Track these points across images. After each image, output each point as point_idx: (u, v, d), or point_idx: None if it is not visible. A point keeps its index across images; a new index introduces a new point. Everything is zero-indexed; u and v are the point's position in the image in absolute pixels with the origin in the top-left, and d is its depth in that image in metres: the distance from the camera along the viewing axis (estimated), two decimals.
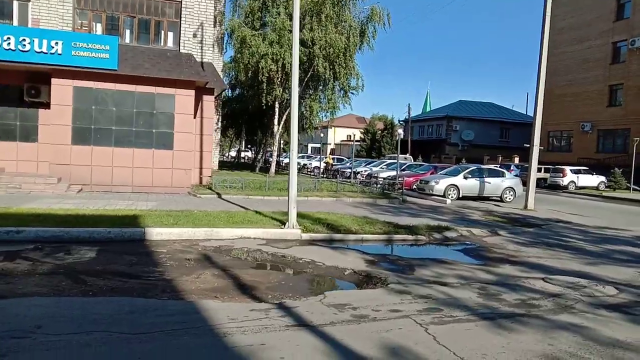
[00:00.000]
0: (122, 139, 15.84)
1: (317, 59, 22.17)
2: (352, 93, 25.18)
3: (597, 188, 31.77)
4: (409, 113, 60.82)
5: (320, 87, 25.37)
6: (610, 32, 38.36)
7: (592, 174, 32.53)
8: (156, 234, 9.22)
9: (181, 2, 16.56)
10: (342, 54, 22.61)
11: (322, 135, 34.64)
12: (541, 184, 33.44)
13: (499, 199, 20.54)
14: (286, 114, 25.35)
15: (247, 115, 32.40)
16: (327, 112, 25.72)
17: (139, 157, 16.02)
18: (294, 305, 5.55)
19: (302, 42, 22.48)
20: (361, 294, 6.31)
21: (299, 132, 31.35)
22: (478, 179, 20.32)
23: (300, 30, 22.47)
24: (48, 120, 15.50)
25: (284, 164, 40.31)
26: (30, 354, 3.96)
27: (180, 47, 16.72)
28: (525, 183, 18.49)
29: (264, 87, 23.06)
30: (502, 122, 60.01)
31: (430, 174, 23.03)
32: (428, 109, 77.67)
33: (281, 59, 21.74)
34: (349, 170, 30.15)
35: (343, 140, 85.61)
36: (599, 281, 7.40)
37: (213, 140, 25.74)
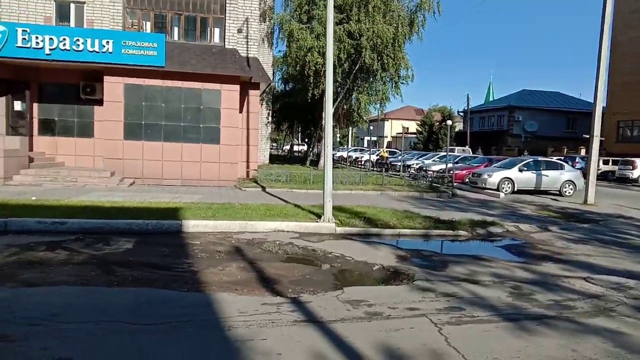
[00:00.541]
0: (171, 134, 16.31)
1: (364, 50, 21.85)
2: (402, 83, 24.62)
3: None
4: (467, 104, 58.81)
5: (369, 79, 24.98)
6: None
7: None
8: (192, 226, 9.39)
9: None
10: (390, 45, 22.14)
11: (371, 128, 34.02)
12: (609, 177, 31.52)
13: (557, 192, 19.44)
14: (334, 107, 25.25)
15: (299, 109, 32.53)
16: (376, 104, 25.30)
17: (188, 152, 16.44)
18: (309, 300, 5.44)
19: (350, 34, 22.26)
20: (382, 291, 6.10)
21: (349, 126, 31.21)
22: (534, 171, 19.31)
23: (347, 22, 22.31)
24: (102, 116, 16.22)
25: (336, 157, 40.30)
26: (39, 341, 4.09)
27: (226, 43, 16.96)
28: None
29: (311, 81, 23.02)
30: (568, 112, 56.74)
31: (485, 166, 22.15)
32: (491, 100, 74.92)
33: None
34: (401, 163, 29.65)
35: (399, 133, 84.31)
36: None
37: (260, 134, 26.11)
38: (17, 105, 16.29)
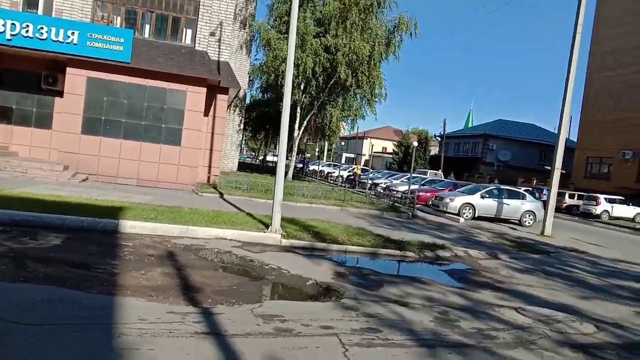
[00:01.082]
0: (130, 132, 15.92)
1: (340, 65, 21.85)
2: (375, 101, 24.67)
3: (632, 220, 30.08)
4: (444, 128, 59.49)
5: (344, 94, 24.97)
6: None
7: (629, 205, 30.85)
8: (130, 226, 9.04)
9: (199, 0, 16.57)
10: (365, 62, 22.21)
11: (342, 144, 33.98)
12: (573, 211, 32.03)
13: (517, 222, 19.58)
14: (307, 119, 25.15)
15: (274, 119, 32.29)
16: (349, 119, 25.26)
17: (147, 151, 16.05)
18: (221, 311, 5.18)
19: (326, 49, 22.27)
20: (303, 307, 5.88)
21: (320, 139, 31.09)
22: (496, 199, 19.42)
23: (324, 36, 22.30)
24: (61, 108, 15.75)
25: (309, 171, 40.12)
26: None
27: (196, 45, 16.72)
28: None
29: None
30: (541, 145, 57.72)
31: (449, 190, 22.23)
32: (470, 126, 75.96)
33: (302, 64, 21.53)
34: (370, 181, 29.66)
35: (377, 152, 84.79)
36: (582, 317, 6.71)
37: (230, 140, 25.82)
38: None
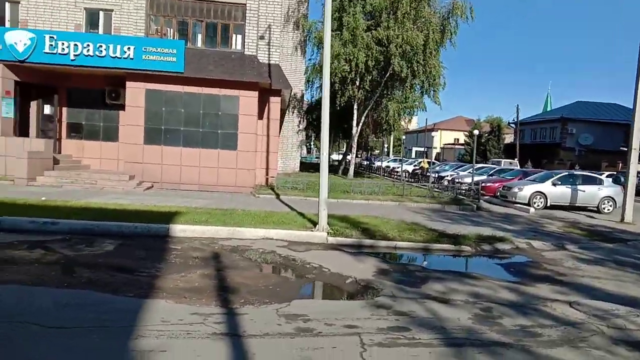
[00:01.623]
0: (189, 139, 16.47)
1: (393, 57, 21.34)
2: (433, 91, 23.85)
3: None
4: (517, 115, 56.62)
5: (400, 87, 24.39)
6: None
7: None
8: (180, 230, 9.30)
9: (246, 4, 16.82)
10: (420, 52, 21.55)
11: (404, 137, 33.11)
12: None
13: (595, 209, 18.13)
14: (364, 114, 24.84)
15: (334, 118, 32.20)
16: (406, 112, 24.63)
17: (205, 157, 16.55)
18: (246, 312, 5.14)
19: (378, 41, 21.85)
20: (332, 305, 5.72)
21: (381, 134, 30.62)
22: (570, 186, 18.09)
23: (375, 29, 21.89)
24: (124, 121, 16.60)
25: (375, 167, 39.65)
26: None
27: (245, 49, 16.99)
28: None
29: (336, 88, 22.73)
30: (626, 125, 53.02)
31: (519, 179, 21.03)
32: (549, 110, 71.80)
33: (354, 59, 21.26)
34: (436, 174, 28.80)
35: (448, 144, 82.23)
36: None
37: (290, 142, 26.04)
38: (47, 109, 16.99)
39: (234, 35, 17.23)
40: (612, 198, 17.79)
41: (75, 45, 15.28)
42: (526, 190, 18.02)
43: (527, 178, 20.21)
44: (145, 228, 9.23)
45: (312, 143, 73.64)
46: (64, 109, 17.31)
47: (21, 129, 16.68)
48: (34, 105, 16.91)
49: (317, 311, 5.28)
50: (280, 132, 25.24)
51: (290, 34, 25.96)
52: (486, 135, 64.25)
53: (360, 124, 24.95)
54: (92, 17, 17.24)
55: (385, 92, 24.55)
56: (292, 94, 27.35)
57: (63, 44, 15.26)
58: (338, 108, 24.71)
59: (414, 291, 6.49)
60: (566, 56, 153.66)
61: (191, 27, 17.12)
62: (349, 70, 21.50)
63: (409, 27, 20.98)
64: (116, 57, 15.39)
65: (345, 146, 35.95)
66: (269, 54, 17.77)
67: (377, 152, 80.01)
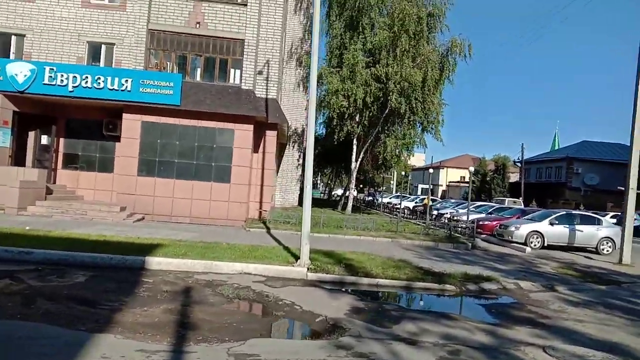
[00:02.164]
0: (183, 172, 16.48)
1: (391, 94, 21.47)
2: (431, 129, 23.90)
3: None
4: (522, 154, 56.48)
5: (398, 123, 24.45)
6: None
7: None
8: (156, 263, 9.14)
9: (244, 40, 17.09)
10: (419, 89, 21.68)
11: (404, 173, 33.05)
12: None
13: (594, 250, 17.72)
14: (364, 150, 24.83)
15: (335, 153, 32.32)
16: (403, 148, 24.57)
17: (198, 189, 16.50)
18: (195, 350, 4.93)
19: (377, 78, 22.04)
20: (289, 345, 5.48)
21: (382, 170, 30.55)
22: (567, 225, 17.74)
23: (374, 66, 22.12)
24: (120, 152, 16.67)
25: (377, 203, 39.39)
26: None
27: (242, 84, 17.16)
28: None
29: (334, 123, 22.86)
30: None
31: (517, 218, 20.70)
32: (553, 150, 71.54)
33: (353, 95, 21.41)
34: (436, 211, 28.54)
35: (453, 182, 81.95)
36: (629, 358, 5.72)
37: (289, 176, 26.01)
38: (44, 139, 17.16)
39: (232, 70, 17.45)
40: (611, 239, 17.39)
41: (74, 77, 15.54)
42: (523, 230, 17.70)
43: (525, 217, 19.89)
44: (121, 260, 9.08)
45: (318, 178, 73.64)
46: (62, 140, 17.46)
47: (18, 158, 16.81)
48: (31, 135, 17.10)
49: (271, 351, 5.05)
50: (279, 166, 25.34)
51: (293, 70, 26.36)
52: (491, 173, 64.00)
53: (360, 160, 24.91)
54: (94, 51, 17.58)
55: (384, 128, 24.61)
56: (294, 129, 27.55)
57: (62, 75, 15.53)
58: (336, 143, 24.80)
59: (383, 331, 6.24)
60: (575, 95, 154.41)
61: (190, 61, 17.39)
62: (347, 105, 21.63)
63: (407, 65, 21.17)
64: (114, 89, 15.60)
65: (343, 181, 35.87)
66: (267, 89, 17.94)
67: (383, 188, 79.97)
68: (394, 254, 12.74)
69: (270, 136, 18.10)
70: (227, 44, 17.28)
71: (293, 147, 27.33)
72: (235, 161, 16.56)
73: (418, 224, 20.56)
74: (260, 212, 18.00)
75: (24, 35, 17.32)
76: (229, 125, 16.44)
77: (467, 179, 75.64)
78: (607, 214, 31.29)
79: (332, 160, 35.32)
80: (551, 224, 17.75)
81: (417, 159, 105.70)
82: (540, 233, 17.54)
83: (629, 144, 15.90)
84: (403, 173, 37.47)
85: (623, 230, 15.17)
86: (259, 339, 5.53)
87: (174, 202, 16.44)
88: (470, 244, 16.47)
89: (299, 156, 27.44)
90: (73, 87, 15.54)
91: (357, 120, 23.60)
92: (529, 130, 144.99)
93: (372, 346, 5.49)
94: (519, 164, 60.45)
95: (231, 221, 16.42)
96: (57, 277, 7.98)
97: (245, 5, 17.22)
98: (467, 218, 19.09)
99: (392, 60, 21.54)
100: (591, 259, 16.22)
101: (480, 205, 28.11)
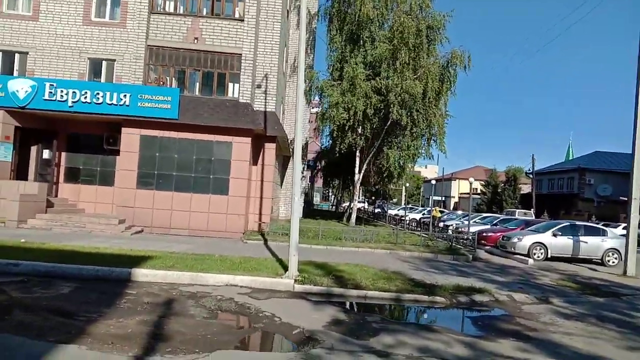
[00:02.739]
0: (181, 184, 16.56)
1: (392, 106, 21.45)
2: (434, 140, 23.78)
3: None
4: (532, 165, 55.84)
5: (400, 135, 24.37)
6: None
7: None
8: (142, 275, 9.14)
9: (242, 54, 17.22)
10: (419, 100, 21.63)
11: (407, 184, 32.83)
12: None
13: (600, 261, 17.36)
14: (366, 162, 24.77)
15: (341, 166, 32.27)
16: (406, 160, 24.44)
17: (197, 202, 16.55)
18: None
19: (377, 90, 22.05)
20: (255, 357, 5.42)
21: (382, 182, 30.41)
22: (571, 237, 17.41)
23: (374, 78, 22.15)
24: (119, 166, 16.82)
25: (386, 215, 39.12)
26: None
27: (240, 98, 17.25)
28: None
29: (336, 135, 22.88)
30: None
31: (520, 229, 20.40)
32: (566, 161, 70.74)
33: (353, 107, 21.42)
34: (442, 223, 28.30)
35: (465, 193, 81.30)
36: None
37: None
38: (45, 154, 17.38)
39: (230, 84, 17.57)
40: (617, 250, 17.01)
41: (74, 92, 15.79)
42: (525, 241, 17.42)
43: (529, 228, 19.60)
44: (107, 272, 9.10)
45: (330, 190, 73.48)
46: (63, 154, 17.68)
47: (21, 172, 17.05)
48: (33, 149, 17.35)
49: None
50: (284, 178, 25.34)
51: (295, 83, 26.46)
52: (502, 185, 63.41)
53: (363, 171, 24.83)
54: (95, 67, 17.84)
55: (386, 139, 24.54)
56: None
57: (62, 91, 15.78)
58: (338, 155, 24.74)
59: (358, 344, 6.13)
60: (589, 105, 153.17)
61: (188, 75, 17.55)
62: (347, 118, 21.63)
63: (408, 77, 21.15)
64: (112, 104, 15.81)
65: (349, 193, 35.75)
66: (265, 102, 18.03)
67: (394, 200, 79.43)
68: (389, 266, 12.60)
69: (269, 149, 18.15)
70: (225, 59, 17.44)
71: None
72: (233, 174, 16.61)
73: (421, 236, 20.32)
74: (260, 224, 17.97)
75: (27, 53, 17.65)
76: (227, 138, 16.52)
77: (479, 191, 75.11)
78: (619, 225, 30.73)
79: (338, 172, 35.28)
80: (554, 235, 17.45)
81: (430, 171, 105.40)
82: (544, 244, 17.25)
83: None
84: (407, 184, 37.08)
85: (626, 241, 14.84)
86: (225, 351, 5.46)
87: (172, 215, 16.50)
88: (470, 256, 16.24)
89: (304, 168, 27.45)
90: (73, 102, 15.78)
91: (358, 132, 23.58)
92: (544, 142, 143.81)
93: (341, 359, 5.39)
94: (531, 175, 59.86)
95: (230, 233, 16.42)
96: (41, 288, 8.01)
97: (242, 20, 17.39)
98: (468, 229, 18.86)
99: (393, 72, 21.56)
100: (595, 270, 15.88)
101: (486, 217, 27.85)
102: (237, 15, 17.72)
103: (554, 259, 17.50)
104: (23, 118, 16.46)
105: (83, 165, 17.77)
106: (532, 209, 48.52)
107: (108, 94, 15.78)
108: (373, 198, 65.25)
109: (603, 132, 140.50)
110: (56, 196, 17.48)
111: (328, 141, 35.66)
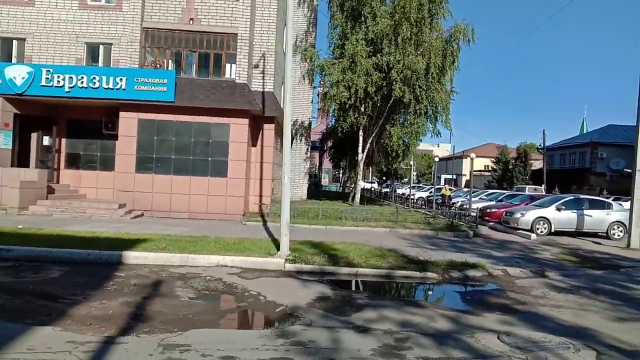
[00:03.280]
0: (180, 167, 16.55)
1: (395, 83, 21.10)
2: (441, 116, 23.42)
3: None
4: (543, 140, 55.02)
5: (404, 112, 24.05)
6: None
7: None
8: (133, 257, 9.17)
9: (237, 34, 17.00)
10: (422, 77, 21.25)
11: (413, 163, 32.52)
12: None
13: (605, 235, 17.12)
14: (369, 141, 24.55)
15: (344, 145, 32.01)
16: (410, 137, 24.11)
17: (196, 185, 16.56)
18: (127, 341, 4.88)
19: (379, 67, 21.71)
20: (229, 335, 5.38)
21: (390, 162, 30.17)
22: (575, 210, 17.16)
23: (376, 55, 21.79)
24: (119, 150, 16.85)
25: (390, 194, 38.92)
26: None
27: (237, 78, 17.09)
28: None
29: (338, 115, 22.66)
30: None
31: (525, 204, 20.16)
32: (578, 135, 69.58)
33: (354, 85, 21.12)
34: (452, 201, 28.10)
35: (475, 171, 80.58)
36: (593, 342, 5.45)
37: (297, 169, 25.91)
38: (46, 140, 17.46)
39: (227, 65, 17.40)
40: (622, 223, 16.74)
41: (70, 77, 15.76)
42: (528, 216, 17.22)
43: (532, 203, 19.35)
44: (98, 255, 9.15)
45: (340, 171, 73.26)
46: (63, 140, 17.76)
47: (22, 159, 17.17)
48: (34, 136, 17.44)
49: (206, 341, 4.97)
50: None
51: (297, 63, 26.18)
52: (513, 161, 62.72)
53: (366, 151, 24.60)
54: (92, 51, 17.78)
55: (390, 118, 24.23)
56: (300, 122, 27.43)
57: (59, 76, 15.76)
58: (340, 135, 24.51)
59: (339, 319, 6.10)
60: (604, 77, 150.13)
61: (185, 57, 17.40)
62: (348, 96, 21.35)
63: (410, 52, 20.75)
64: (109, 88, 15.76)
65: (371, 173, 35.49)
66: (263, 83, 17.86)
67: (405, 180, 79.04)
68: (386, 244, 12.52)
69: (268, 129, 18.03)
70: (221, 39, 17.23)
71: (300, 140, 27.25)
72: (231, 155, 16.55)
73: (425, 214, 20.18)
74: (260, 206, 17.96)
75: (24, 39, 17.62)
76: (224, 119, 16.43)
77: (490, 168, 74.39)
78: (630, 199, 30.28)
79: (343, 152, 35.03)
80: (558, 209, 17.20)
81: (442, 150, 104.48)
82: (547, 219, 17.03)
83: None
84: (414, 163, 36.71)
85: (630, 214, 14.58)
86: (200, 329, 5.44)
87: (172, 198, 16.53)
88: (471, 232, 16.09)
89: (307, 149, 27.32)
90: (69, 87, 15.76)
91: (361, 111, 23.32)
92: (558, 116, 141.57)
93: (317, 334, 5.36)
94: (542, 151, 59.04)
95: (229, 215, 16.43)
96: (31, 272, 8.07)
97: None
98: (469, 205, 18.67)
99: (395, 48, 21.16)
100: (599, 244, 15.66)
101: (492, 193, 27.55)
102: None
103: (559, 233, 17.30)
104: (22, 105, 16.52)
105: (83, 151, 17.84)
106: (543, 185, 47.94)
107: (104, 78, 15.72)
108: (384, 178, 64.90)
109: (618, 106, 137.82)
110: (58, 182, 17.60)
111: (332, 121, 35.42)
